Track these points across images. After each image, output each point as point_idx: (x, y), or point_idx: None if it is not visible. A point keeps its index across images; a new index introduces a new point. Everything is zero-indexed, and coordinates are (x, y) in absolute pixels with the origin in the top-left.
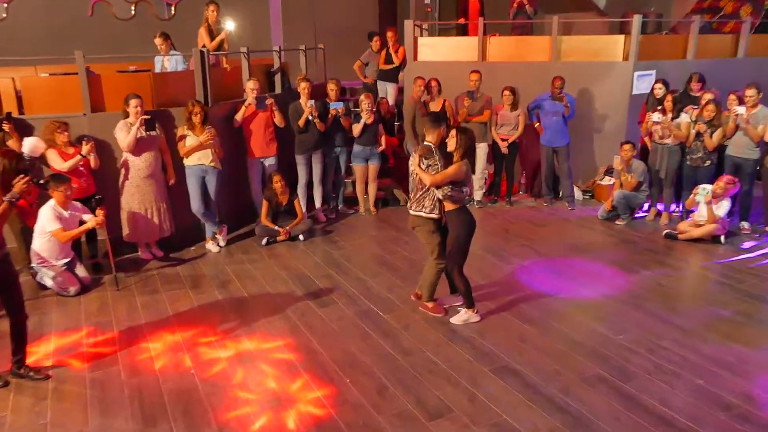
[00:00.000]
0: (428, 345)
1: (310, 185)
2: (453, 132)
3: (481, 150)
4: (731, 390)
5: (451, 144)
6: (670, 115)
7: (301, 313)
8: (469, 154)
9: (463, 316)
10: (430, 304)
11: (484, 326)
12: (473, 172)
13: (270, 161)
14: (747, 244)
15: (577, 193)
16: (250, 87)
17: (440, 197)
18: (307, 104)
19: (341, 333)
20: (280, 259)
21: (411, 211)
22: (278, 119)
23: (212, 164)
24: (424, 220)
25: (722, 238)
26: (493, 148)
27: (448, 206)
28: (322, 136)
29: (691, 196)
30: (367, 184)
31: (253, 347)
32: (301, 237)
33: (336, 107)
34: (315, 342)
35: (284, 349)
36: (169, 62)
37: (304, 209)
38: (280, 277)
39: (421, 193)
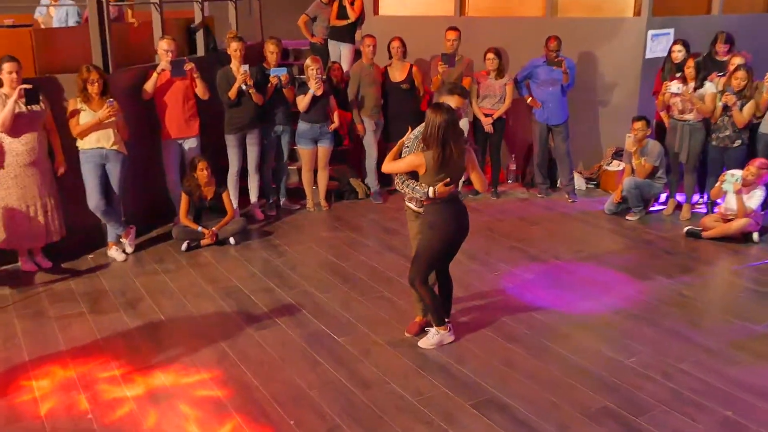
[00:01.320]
0: (393, 375)
1: (243, 174)
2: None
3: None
4: (766, 422)
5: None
6: (691, 85)
7: (231, 338)
8: (447, 139)
9: (432, 339)
10: (440, 329)
11: (462, 350)
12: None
13: (191, 143)
14: None
15: (579, 182)
16: (164, 48)
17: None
18: (239, 70)
19: (284, 362)
20: (204, 269)
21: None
22: (201, 90)
23: (114, 148)
24: (412, 213)
25: (755, 235)
26: (475, 125)
27: (426, 201)
28: (258, 112)
29: (718, 184)
30: (316, 171)
31: (169, 383)
32: (231, 240)
33: (276, 74)
34: (250, 374)
35: (210, 384)
36: (56, 14)
37: (235, 205)
38: (205, 292)
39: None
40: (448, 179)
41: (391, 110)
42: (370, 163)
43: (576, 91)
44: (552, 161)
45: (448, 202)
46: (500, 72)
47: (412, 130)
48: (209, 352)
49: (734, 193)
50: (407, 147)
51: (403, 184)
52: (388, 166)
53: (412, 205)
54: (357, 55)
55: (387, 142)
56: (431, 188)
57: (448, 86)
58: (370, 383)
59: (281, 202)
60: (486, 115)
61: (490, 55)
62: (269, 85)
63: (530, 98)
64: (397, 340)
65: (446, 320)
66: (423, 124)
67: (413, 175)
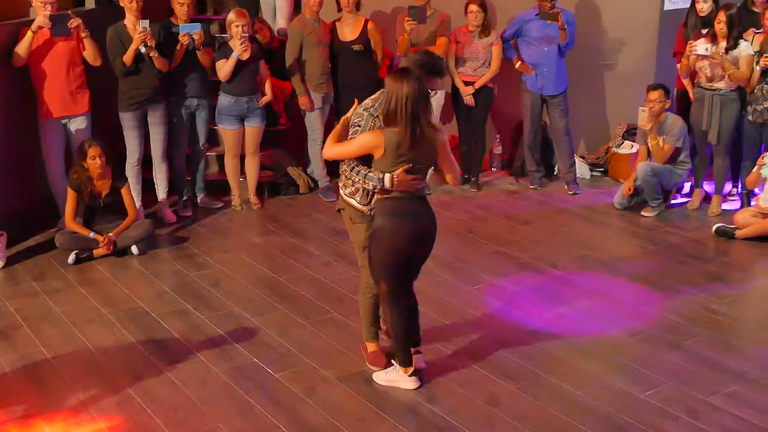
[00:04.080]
0: (346, 418)
1: (148, 163)
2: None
3: (434, 101)
4: None
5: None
6: (722, 45)
7: (136, 376)
8: (416, 115)
9: (388, 375)
10: (369, 347)
11: (435, 385)
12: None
13: (78, 123)
14: None
15: (582, 169)
16: None
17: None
18: (136, 27)
19: (204, 405)
20: (100, 287)
21: (339, 183)
22: (91, 53)
23: None
24: (347, 203)
25: None
26: (454, 97)
27: (378, 194)
28: (163, 81)
29: (755, 169)
30: (243, 158)
31: None
32: (134, 249)
33: (188, 32)
34: (160, 422)
35: None
36: None
37: (138, 203)
38: (100, 316)
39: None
40: (410, 165)
41: (341, 79)
42: (315, 147)
43: (577, 52)
44: (547, 142)
45: (406, 199)
46: (485, 29)
47: (358, 103)
48: (107, 395)
49: None
50: (356, 125)
51: (352, 170)
52: (332, 150)
53: (354, 201)
54: (297, 7)
55: (338, 119)
56: (387, 175)
57: (416, 56)
58: (317, 430)
59: (198, 199)
60: (467, 84)
61: (474, 7)
62: (178, 46)
63: (519, 62)
64: (350, 374)
65: (412, 361)
66: (377, 95)
67: (364, 160)
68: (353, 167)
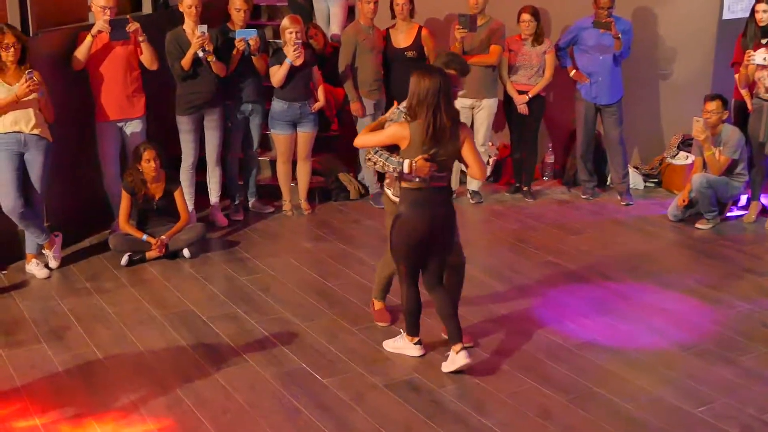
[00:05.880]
0: (394, 426)
1: (201, 167)
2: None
3: (485, 110)
4: None
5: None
6: None
7: (186, 379)
8: (438, 107)
9: (395, 343)
10: (376, 305)
11: (485, 395)
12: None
13: (134, 126)
14: None
15: (635, 179)
16: (101, 4)
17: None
18: (195, 33)
19: (253, 409)
20: (151, 288)
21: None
22: (147, 58)
23: (36, 132)
24: (389, 201)
25: None
26: (506, 105)
27: (402, 183)
28: (220, 86)
29: None
30: (295, 164)
31: None
32: (186, 253)
33: (244, 38)
34: (209, 424)
35: None
36: None
37: (191, 207)
38: (151, 318)
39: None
40: (432, 152)
41: (394, 85)
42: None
43: (632, 61)
44: (601, 152)
45: (427, 191)
46: (538, 37)
47: (398, 104)
48: (157, 396)
49: None
50: (390, 120)
51: (376, 154)
52: (362, 138)
53: (390, 192)
54: (351, 14)
55: None
56: (407, 161)
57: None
58: None
59: (250, 203)
60: (520, 93)
61: (526, 16)
62: (234, 51)
63: (574, 70)
64: (397, 382)
65: (419, 335)
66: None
67: (391, 152)
68: (377, 150)
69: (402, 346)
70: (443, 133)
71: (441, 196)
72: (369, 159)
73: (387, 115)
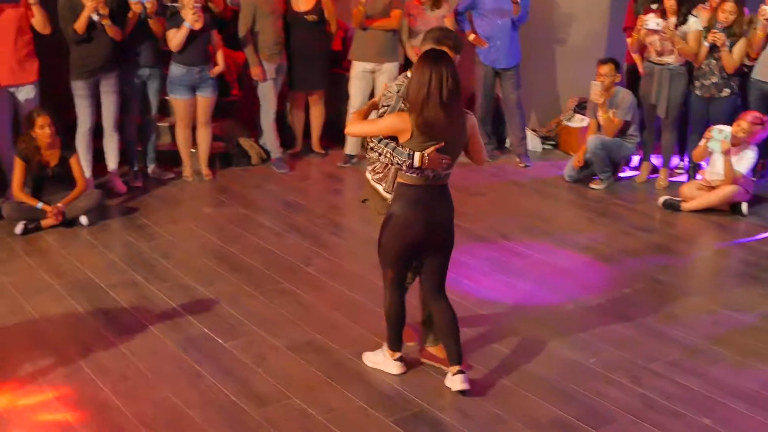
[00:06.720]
0: (296, 387)
1: (98, 133)
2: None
3: (386, 74)
4: (750, 430)
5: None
6: (672, 20)
7: (85, 347)
8: (452, 98)
9: (375, 357)
10: (388, 352)
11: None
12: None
13: (27, 92)
14: None
15: (533, 141)
16: None
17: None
18: None
19: (154, 375)
20: (48, 257)
21: (366, 171)
22: (39, 21)
23: None
24: (372, 192)
25: (744, 206)
26: (406, 69)
27: (400, 178)
28: (115, 50)
29: (702, 142)
30: (195, 129)
31: (2, 405)
32: (83, 220)
33: (140, 1)
34: (109, 392)
35: (56, 406)
36: None
37: (88, 173)
38: (48, 287)
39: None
40: (441, 144)
41: (294, 50)
42: (268, 118)
43: (530, 26)
44: (499, 115)
45: (424, 188)
46: (437, 2)
47: (387, 86)
48: (55, 366)
49: (722, 154)
50: (386, 105)
51: (380, 143)
52: (357, 127)
53: (381, 188)
54: None
55: (292, 90)
56: (417, 154)
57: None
58: (267, 399)
59: (149, 170)
60: None
61: None
62: (130, 14)
63: (473, 35)
64: (300, 344)
65: (401, 350)
66: (402, 76)
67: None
68: (381, 139)
69: (381, 361)
70: (450, 124)
71: (443, 194)
72: (372, 149)
73: (377, 99)
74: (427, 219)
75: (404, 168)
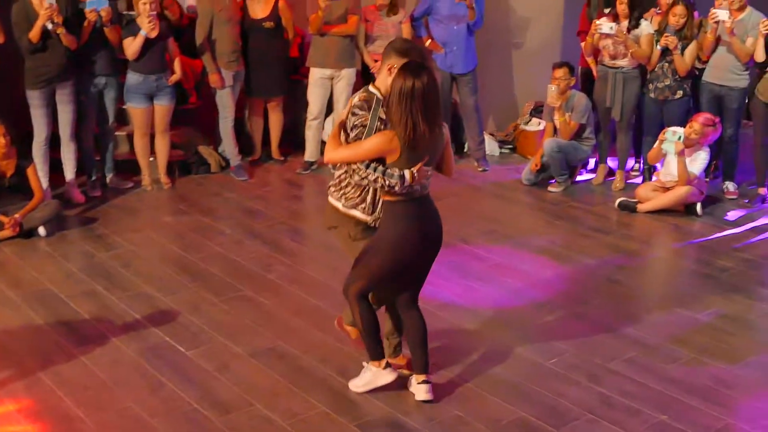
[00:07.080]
0: (259, 394)
1: (55, 143)
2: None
3: (344, 80)
4: (705, 425)
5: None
6: (625, 24)
7: (45, 358)
8: (436, 112)
9: (362, 379)
10: (374, 364)
11: (347, 360)
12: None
13: None
14: (732, 215)
15: (491, 146)
16: None
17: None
18: (43, 3)
19: (116, 385)
20: (5, 268)
21: (329, 197)
22: None
23: None
24: (344, 218)
25: (698, 206)
26: (364, 75)
27: (385, 196)
28: (71, 59)
29: (656, 144)
30: (153, 137)
31: None
32: (41, 231)
33: (94, 8)
34: (70, 403)
35: (17, 418)
36: None
37: (45, 184)
38: (6, 299)
39: (344, 170)
40: (427, 158)
41: (252, 57)
42: (226, 125)
43: (485, 31)
44: (457, 120)
45: (414, 201)
46: (393, 7)
47: (352, 103)
48: (15, 377)
49: (676, 155)
50: (360, 126)
51: (367, 168)
52: (338, 153)
53: (358, 213)
54: None
55: (250, 96)
56: (407, 171)
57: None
58: (230, 406)
59: (107, 179)
60: (376, 62)
61: None
62: (85, 23)
63: (429, 40)
64: (262, 350)
65: (384, 356)
66: (363, 91)
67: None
68: (368, 164)
69: (371, 379)
70: (435, 141)
71: (430, 203)
72: (364, 177)
73: (344, 117)
74: (423, 233)
75: (397, 189)
